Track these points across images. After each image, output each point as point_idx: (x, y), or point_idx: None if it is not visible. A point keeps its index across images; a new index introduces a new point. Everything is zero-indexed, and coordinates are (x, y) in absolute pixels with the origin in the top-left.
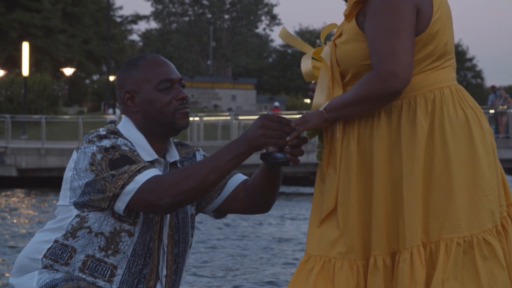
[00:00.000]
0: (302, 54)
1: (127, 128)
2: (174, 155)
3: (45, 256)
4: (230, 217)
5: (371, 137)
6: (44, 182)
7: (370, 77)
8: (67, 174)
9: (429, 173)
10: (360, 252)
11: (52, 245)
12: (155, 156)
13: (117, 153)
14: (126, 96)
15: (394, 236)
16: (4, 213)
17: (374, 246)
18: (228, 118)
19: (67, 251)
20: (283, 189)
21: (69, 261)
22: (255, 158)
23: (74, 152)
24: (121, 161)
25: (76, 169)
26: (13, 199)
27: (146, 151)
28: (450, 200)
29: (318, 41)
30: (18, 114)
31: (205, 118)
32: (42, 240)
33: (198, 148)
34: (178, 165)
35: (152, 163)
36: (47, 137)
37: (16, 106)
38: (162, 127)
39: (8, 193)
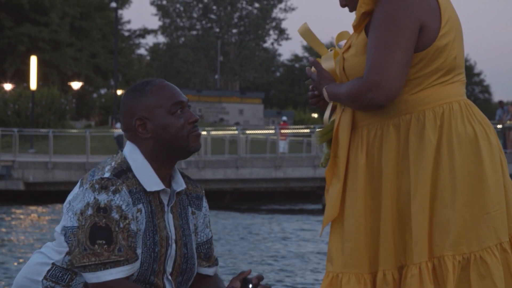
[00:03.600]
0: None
1: (134, 156)
2: (180, 183)
3: (45, 278)
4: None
5: (380, 150)
6: (52, 196)
7: (358, 85)
8: (67, 200)
9: (436, 188)
10: (367, 266)
11: (51, 267)
12: (162, 186)
13: (103, 221)
14: (137, 123)
15: (401, 250)
16: (11, 227)
17: (382, 260)
18: (236, 132)
19: (68, 273)
20: (290, 205)
21: (70, 283)
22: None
23: (79, 183)
24: (101, 233)
25: (71, 204)
26: (20, 212)
27: (153, 180)
28: (453, 216)
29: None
30: (25, 127)
31: (212, 133)
32: (40, 262)
33: (203, 191)
34: (183, 196)
35: (157, 193)
36: (54, 151)
37: (24, 120)
38: (175, 151)
39: (15, 207)
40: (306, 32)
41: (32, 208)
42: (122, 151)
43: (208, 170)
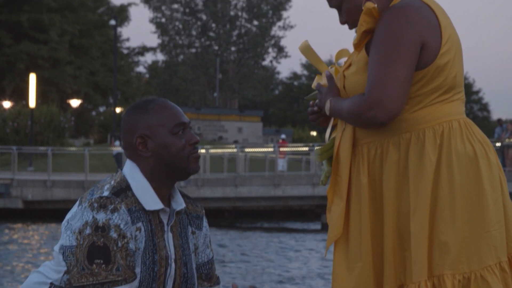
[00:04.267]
0: (309, 86)
1: (133, 175)
2: (180, 203)
3: None
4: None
5: (380, 169)
6: (50, 214)
7: (359, 102)
8: (66, 218)
9: (435, 206)
10: (373, 285)
11: (49, 287)
12: (161, 206)
13: (101, 240)
14: (138, 141)
15: (401, 269)
16: (9, 245)
17: (386, 278)
18: (234, 150)
19: None
20: (288, 224)
21: None
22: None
23: (78, 202)
24: (99, 252)
25: (69, 223)
26: (19, 231)
27: (152, 199)
28: (453, 234)
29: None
30: (24, 145)
31: (211, 151)
32: (39, 281)
33: (203, 211)
34: (183, 216)
35: (157, 212)
36: (53, 169)
37: (23, 138)
38: (174, 172)
39: (14, 225)
40: (306, 49)
41: (31, 226)
42: (121, 169)
43: (207, 189)
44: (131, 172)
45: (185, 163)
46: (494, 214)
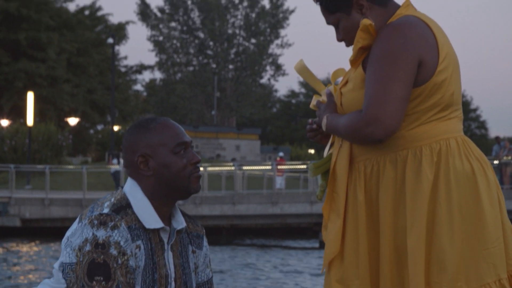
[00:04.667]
0: (306, 104)
1: (134, 193)
2: (180, 222)
3: None
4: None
5: (377, 186)
6: (48, 232)
7: (357, 119)
8: (66, 235)
9: (432, 224)
10: None
11: None
12: (161, 224)
13: (102, 257)
14: (139, 160)
15: (399, 286)
16: (8, 264)
17: None
18: (232, 168)
19: None
20: (286, 242)
21: None
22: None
23: (78, 219)
24: (99, 269)
25: (69, 240)
26: (17, 249)
27: (152, 218)
28: (451, 252)
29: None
30: (22, 164)
31: (209, 169)
32: None
33: (204, 230)
34: (184, 235)
35: (157, 231)
36: (51, 187)
37: (21, 156)
38: (175, 191)
39: (12, 243)
40: (302, 69)
41: (29, 244)
42: (122, 187)
43: (205, 206)
44: (132, 190)
45: (186, 183)
46: (493, 231)
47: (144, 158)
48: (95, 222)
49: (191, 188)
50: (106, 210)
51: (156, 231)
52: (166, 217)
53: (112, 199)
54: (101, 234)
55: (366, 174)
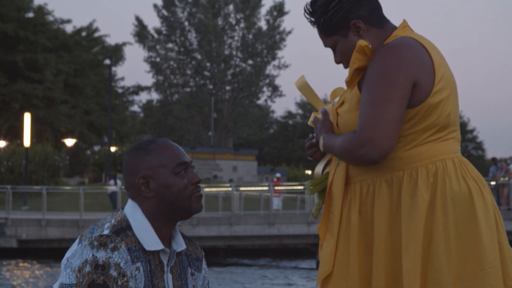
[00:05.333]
0: (303, 125)
1: (134, 214)
2: (180, 244)
3: None
4: None
5: (372, 206)
6: (45, 253)
7: (351, 139)
8: (65, 256)
9: (429, 245)
10: None
11: None
12: (161, 247)
13: (101, 278)
14: (140, 181)
15: None
16: (4, 285)
17: None
18: (229, 189)
19: None
20: (283, 262)
21: None
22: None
23: (78, 240)
24: None
25: (69, 261)
26: (13, 270)
27: (152, 240)
28: (448, 273)
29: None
30: (19, 185)
31: (206, 189)
32: None
33: (203, 253)
34: (183, 257)
35: (157, 253)
36: (48, 208)
37: (17, 177)
38: (177, 212)
39: (9, 264)
40: (303, 85)
41: (25, 265)
42: (122, 209)
43: (201, 227)
44: (132, 212)
45: (188, 203)
46: (489, 252)
47: (145, 179)
48: (95, 243)
49: (192, 208)
50: (106, 232)
51: (156, 253)
52: (166, 239)
53: (112, 221)
54: (101, 255)
55: (361, 194)
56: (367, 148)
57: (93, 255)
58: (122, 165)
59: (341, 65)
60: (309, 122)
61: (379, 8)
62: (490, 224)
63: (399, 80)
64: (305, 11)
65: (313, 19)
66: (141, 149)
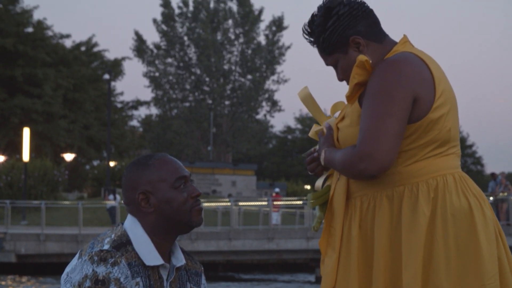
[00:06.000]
0: (303, 139)
1: (134, 229)
2: (180, 259)
3: None
4: None
5: (372, 221)
6: (44, 268)
7: (351, 154)
8: (65, 271)
9: (429, 260)
10: None
11: None
12: (161, 261)
13: None
14: (140, 197)
15: None
16: None
17: None
18: (228, 204)
19: None
20: (282, 277)
21: None
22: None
23: (78, 254)
24: None
25: (69, 275)
26: (12, 285)
27: (152, 255)
28: None
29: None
30: (18, 199)
31: (205, 204)
32: None
33: (202, 268)
34: (182, 272)
35: (157, 268)
36: (46, 223)
37: (16, 192)
38: (177, 226)
39: (7, 279)
40: (306, 97)
41: (24, 280)
42: (122, 223)
43: (200, 242)
44: (132, 227)
45: (188, 217)
46: (489, 268)
47: (145, 195)
48: (95, 258)
49: (193, 222)
50: (106, 247)
51: (156, 268)
52: (166, 254)
53: (113, 236)
54: (101, 270)
55: (362, 209)
56: (366, 162)
57: (93, 270)
58: (121, 180)
59: (338, 81)
60: (310, 134)
61: (377, 22)
62: (490, 239)
63: (400, 95)
64: (303, 31)
65: (312, 39)
66: (140, 164)
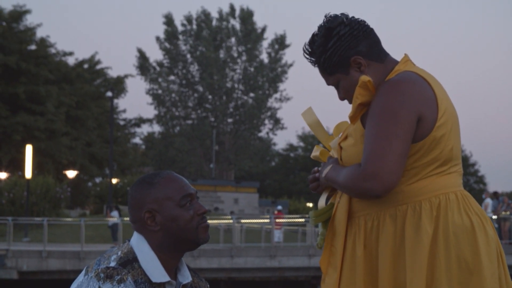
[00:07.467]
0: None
1: (141, 247)
2: (186, 276)
3: None
4: None
5: (376, 241)
6: (46, 285)
7: (356, 173)
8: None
9: (432, 279)
10: None
11: None
12: (168, 278)
13: None
14: (146, 215)
15: None
16: None
17: None
18: (231, 221)
19: None
20: None
21: None
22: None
23: (84, 271)
24: None
25: None
26: None
27: (159, 272)
28: None
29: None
30: (20, 216)
31: (207, 221)
32: None
33: (208, 286)
34: None
35: (163, 285)
36: (49, 240)
37: (18, 209)
38: (183, 243)
39: None
40: (309, 117)
41: None
42: (129, 241)
43: (202, 259)
44: (139, 244)
45: (194, 234)
46: (490, 286)
47: (151, 213)
48: (102, 275)
49: (199, 239)
50: (113, 264)
51: (162, 285)
52: (173, 271)
53: (119, 253)
54: (107, 287)
55: (366, 229)
56: (371, 182)
57: (99, 287)
58: (127, 198)
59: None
60: (312, 156)
61: (378, 42)
62: (492, 258)
63: (404, 116)
64: (304, 51)
65: (313, 59)
66: (145, 182)
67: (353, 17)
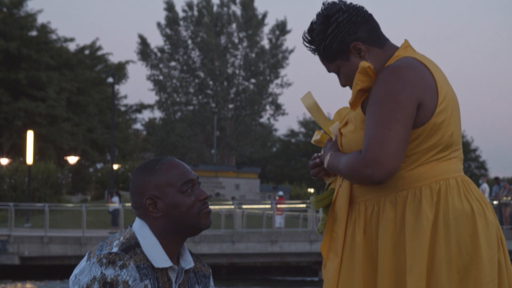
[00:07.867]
0: (306, 143)
1: (143, 232)
2: (189, 261)
3: None
4: None
5: (377, 226)
6: (47, 270)
7: (357, 159)
8: (74, 273)
9: (432, 264)
10: None
11: None
12: (170, 264)
13: None
14: (148, 202)
15: None
16: None
17: None
18: (232, 207)
19: None
20: (285, 280)
21: None
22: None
23: (86, 257)
24: None
25: (77, 278)
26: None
27: (161, 257)
28: None
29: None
30: (21, 202)
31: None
32: None
33: (210, 270)
34: (191, 274)
35: (165, 270)
36: (50, 225)
37: (20, 194)
38: (186, 229)
39: (11, 282)
40: (309, 102)
41: (28, 283)
42: (131, 226)
43: (204, 245)
44: (141, 230)
45: (196, 220)
46: (488, 272)
47: (152, 200)
48: (104, 260)
49: (201, 224)
50: (115, 249)
51: (164, 270)
52: (175, 256)
53: (121, 238)
54: (110, 273)
55: (366, 214)
56: (372, 168)
57: (101, 272)
58: (129, 185)
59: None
60: (313, 141)
61: (377, 27)
62: (491, 244)
63: (404, 101)
64: (303, 39)
65: (313, 47)
66: (147, 169)
67: (351, 3)
